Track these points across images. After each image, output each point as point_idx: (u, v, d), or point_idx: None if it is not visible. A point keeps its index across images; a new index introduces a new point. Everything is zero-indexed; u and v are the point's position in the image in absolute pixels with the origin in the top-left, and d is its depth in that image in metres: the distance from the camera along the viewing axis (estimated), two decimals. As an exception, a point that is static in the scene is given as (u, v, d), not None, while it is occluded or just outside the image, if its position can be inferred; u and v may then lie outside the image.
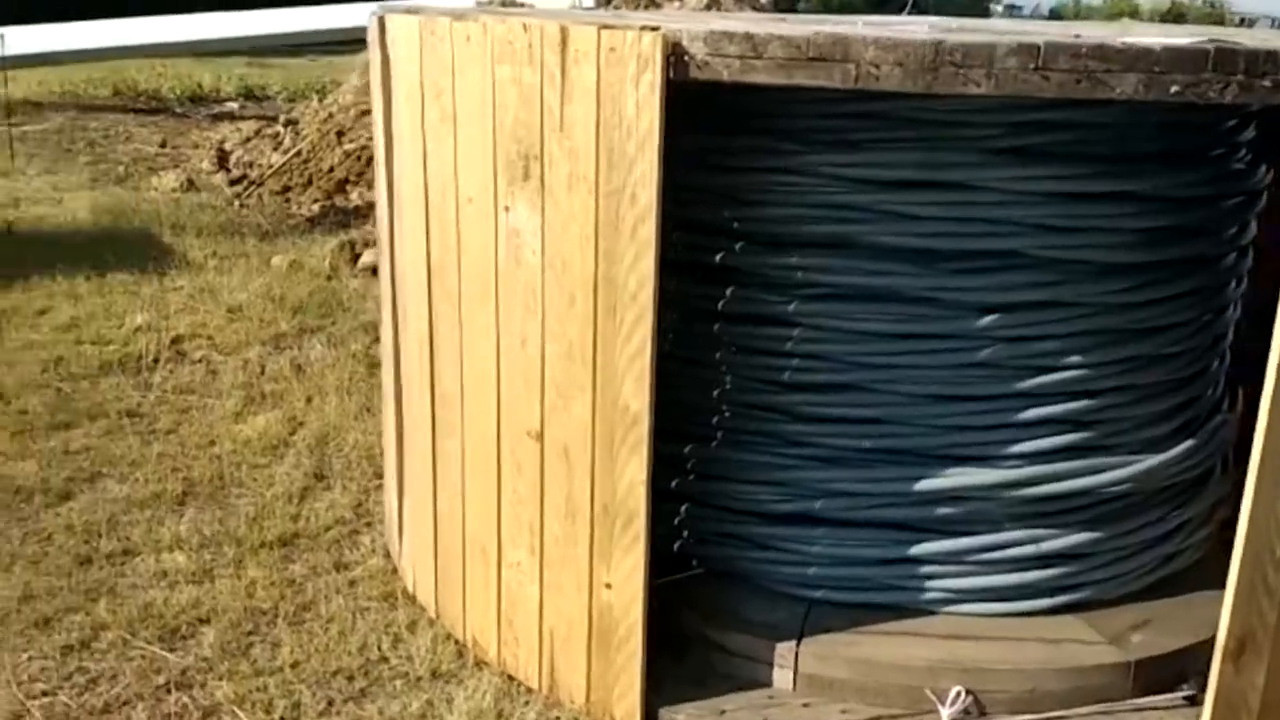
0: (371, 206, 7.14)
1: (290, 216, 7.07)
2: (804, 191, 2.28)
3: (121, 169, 8.41)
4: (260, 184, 7.79)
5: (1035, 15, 32.94)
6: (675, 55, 1.88)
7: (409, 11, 2.38)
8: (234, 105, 12.01)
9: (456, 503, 2.47)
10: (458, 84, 2.20)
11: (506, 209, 2.16)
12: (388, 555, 2.91)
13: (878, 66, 1.78)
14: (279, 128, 8.74)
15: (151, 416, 3.74)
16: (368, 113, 8.31)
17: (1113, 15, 30.95)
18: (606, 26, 1.92)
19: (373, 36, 2.58)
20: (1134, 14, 32.43)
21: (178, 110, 11.40)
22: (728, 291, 2.37)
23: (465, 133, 2.22)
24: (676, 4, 7.99)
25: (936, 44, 1.75)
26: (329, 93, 11.88)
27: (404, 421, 2.71)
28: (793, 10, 14.31)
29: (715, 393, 2.43)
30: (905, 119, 2.20)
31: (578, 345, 2.10)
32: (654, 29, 1.88)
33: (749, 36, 1.83)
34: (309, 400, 3.92)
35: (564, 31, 1.97)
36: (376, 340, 4.62)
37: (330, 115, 8.39)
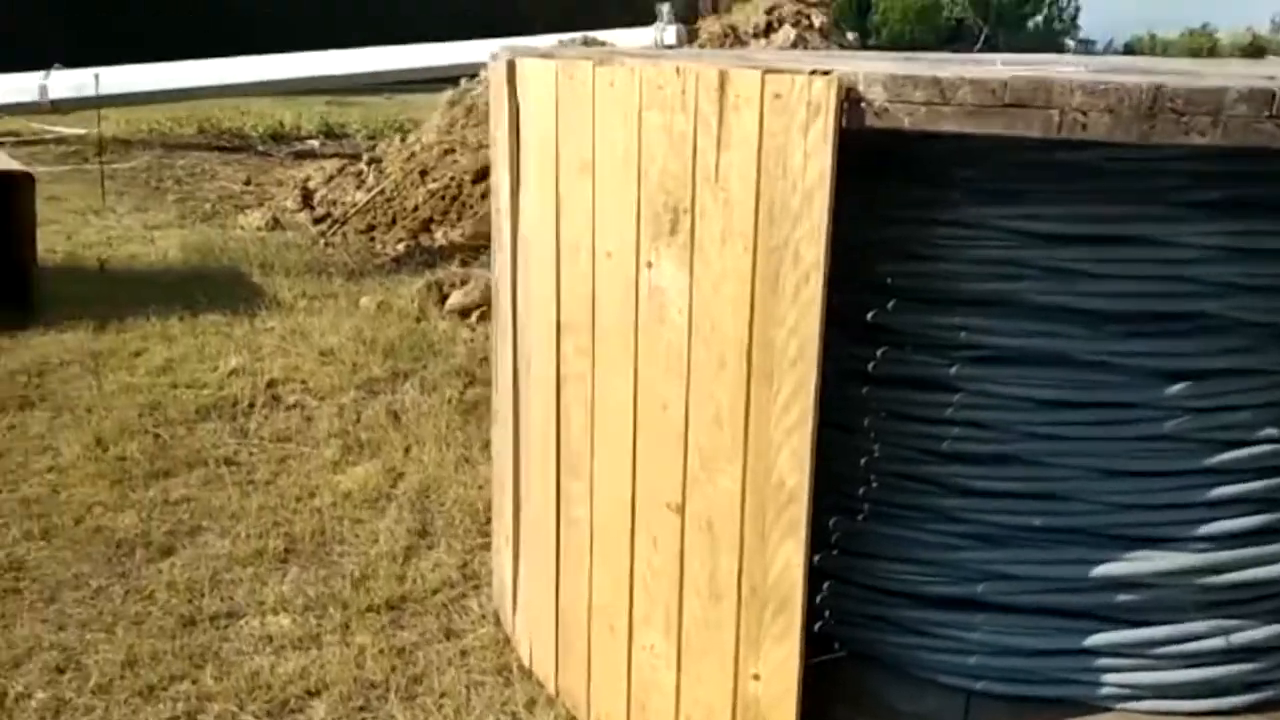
0: (457, 247, 7.11)
1: (375, 256, 7.06)
2: (967, 245, 2.10)
3: (208, 206, 8.51)
4: (344, 222, 7.81)
5: (1110, 51, 32.36)
6: (850, 101, 1.72)
7: (544, 55, 2.27)
8: (315, 143, 12.18)
9: (582, 575, 2.31)
10: (599, 131, 2.07)
11: (650, 265, 2.02)
12: (498, 623, 2.76)
13: (1085, 113, 1.60)
14: (362, 166, 8.78)
15: (249, 465, 3.66)
16: (451, 151, 8.34)
17: (1193, 50, 30.28)
18: (772, 71, 1.77)
19: (497, 80, 2.47)
20: (1213, 50, 31.68)
21: (260, 148, 11.57)
22: (880, 352, 2.19)
23: (605, 183, 2.08)
24: (763, 42, 7.88)
25: (1156, 89, 1.57)
26: (408, 131, 12.03)
27: (521, 483, 2.57)
28: (864, 48, 14.15)
29: (864, 461, 2.24)
30: (1085, 167, 2.01)
31: (727, 413, 1.94)
32: (825, 73, 1.72)
33: (936, 81, 1.67)
34: (407, 450, 3.81)
35: (723, 76, 1.82)
36: (469, 386, 4.52)
37: (413, 154, 8.41)
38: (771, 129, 1.78)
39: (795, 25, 7.83)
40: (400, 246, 7.14)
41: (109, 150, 10.24)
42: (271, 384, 4.37)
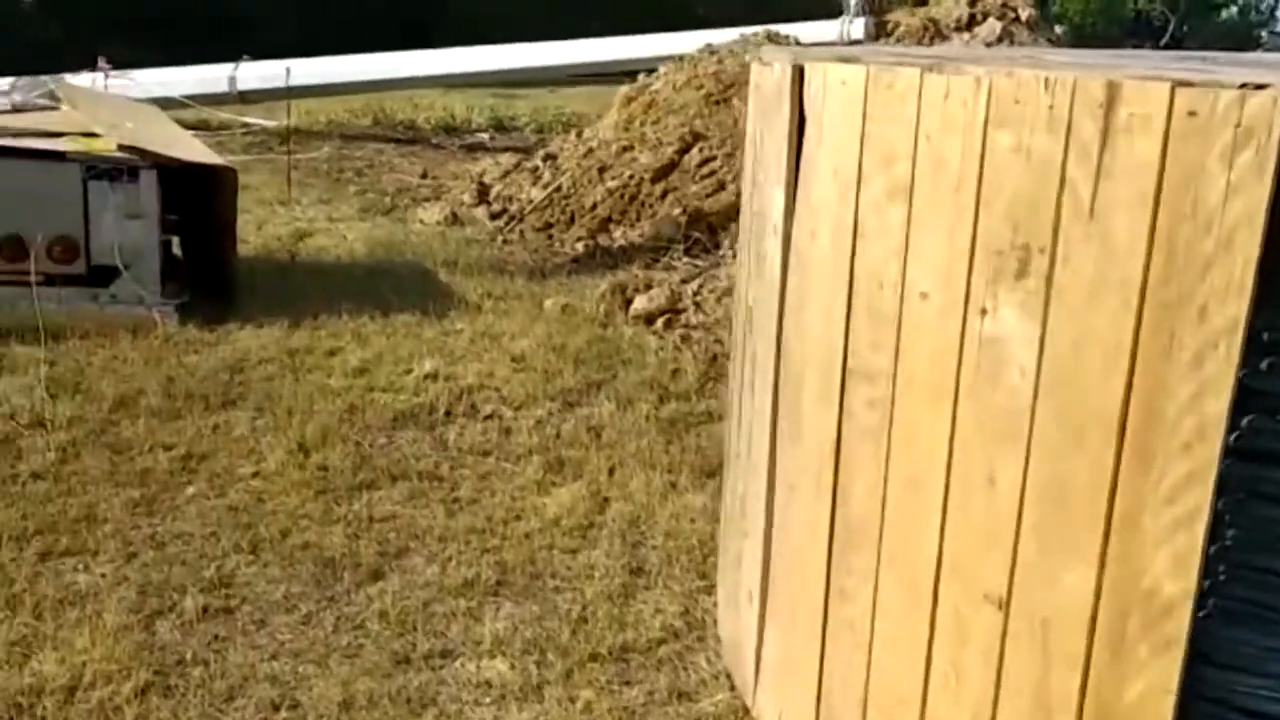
0: (637, 248, 6.90)
1: (554, 254, 6.91)
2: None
3: (387, 199, 8.56)
4: (521, 219, 7.71)
5: (1312, 45, 29.83)
6: (1297, 125, 1.35)
7: (845, 60, 1.96)
8: (485, 136, 12.24)
9: (858, 657, 2.01)
10: (922, 151, 1.76)
11: (984, 312, 1.69)
12: (733, 687, 2.49)
13: None
14: (537, 162, 8.69)
15: (452, 481, 3.50)
16: (629, 149, 8.14)
17: None
18: (1184, 84, 1.42)
19: (772, 86, 2.18)
20: None
21: (433, 141, 11.67)
22: (1247, 421, 1.80)
23: (926, 211, 1.77)
24: (966, 36, 7.37)
25: None
26: (573, 125, 11.96)
27: (774, 536, 2.28)
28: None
29: (1214, 549, 1.86)
30: None
31: (1081, 497, 1.59)
32: (1261, 86, 1.36)
33: None
34: (610, 473, 3.58)
35: (1111, 89, 1.48)
36: (664, 400, 4.29)
37: (590, 150, 8.26)
38: (1179, 156, 1.43)
39: (1000, 18, 7.30)
40: (579, 246, 6.97)
41: (292, 141, 10.50)
42: (467, 391, 4.23)
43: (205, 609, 2.72)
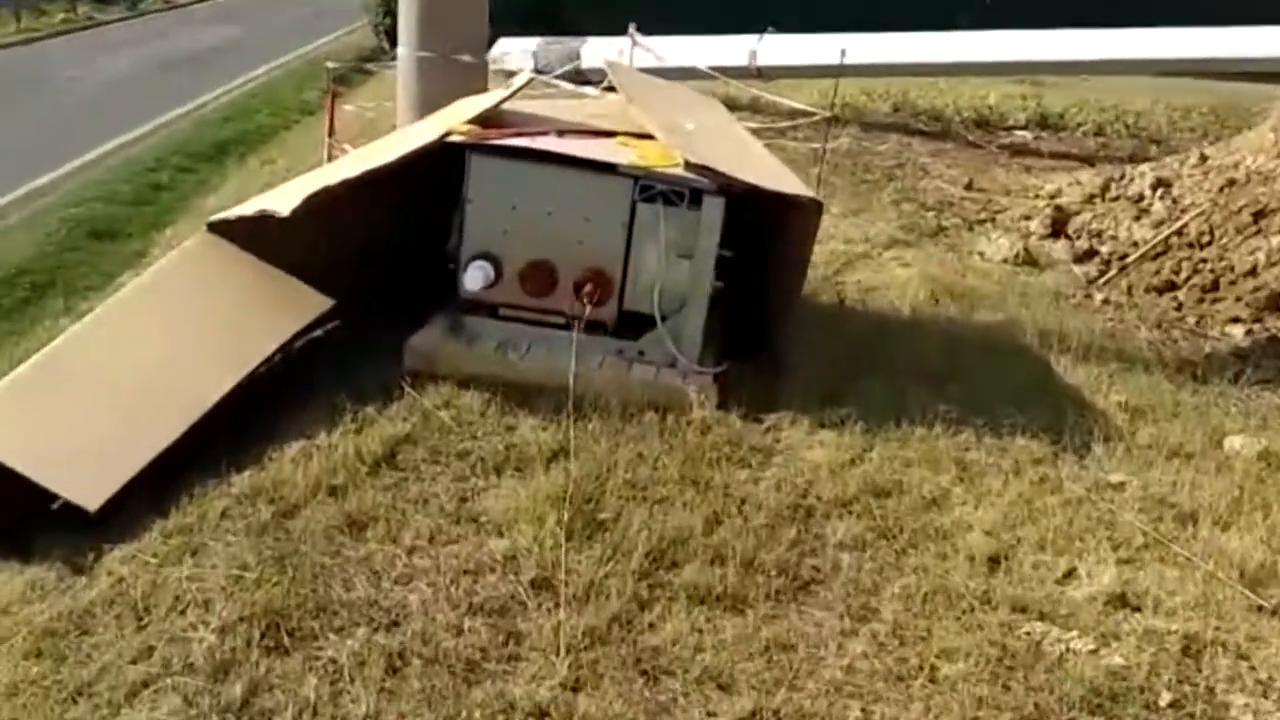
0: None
1: (1193, 336, 4.86)
2: None
3: (931, 216, 6.90)
4: (1123, 269, 5.70)
5: None
6: None
7: None
8: (1025, 135, 10.14)
9: None
10: None
11: None
12: None
13: None
14: (1141, 187, 6.56)
15: None
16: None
17: None
18: None
19: None
20: None
21: (967, 137, 9.80)
22: None
23: None
24: None
25: None
26: (1146, 133, 9.49)
27: None
28: None
29: None
30: None
31: None
32: None
33: None
34: None
35: None
36: None
37: (1231, 182, 5.99)
38: None
39: None
40: (1236, 330, 4.86)
41: (802, 126, 9.15)
42: (1189, 651, 2.48)
43: None
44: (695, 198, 3.50)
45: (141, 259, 6.08)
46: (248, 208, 3.53)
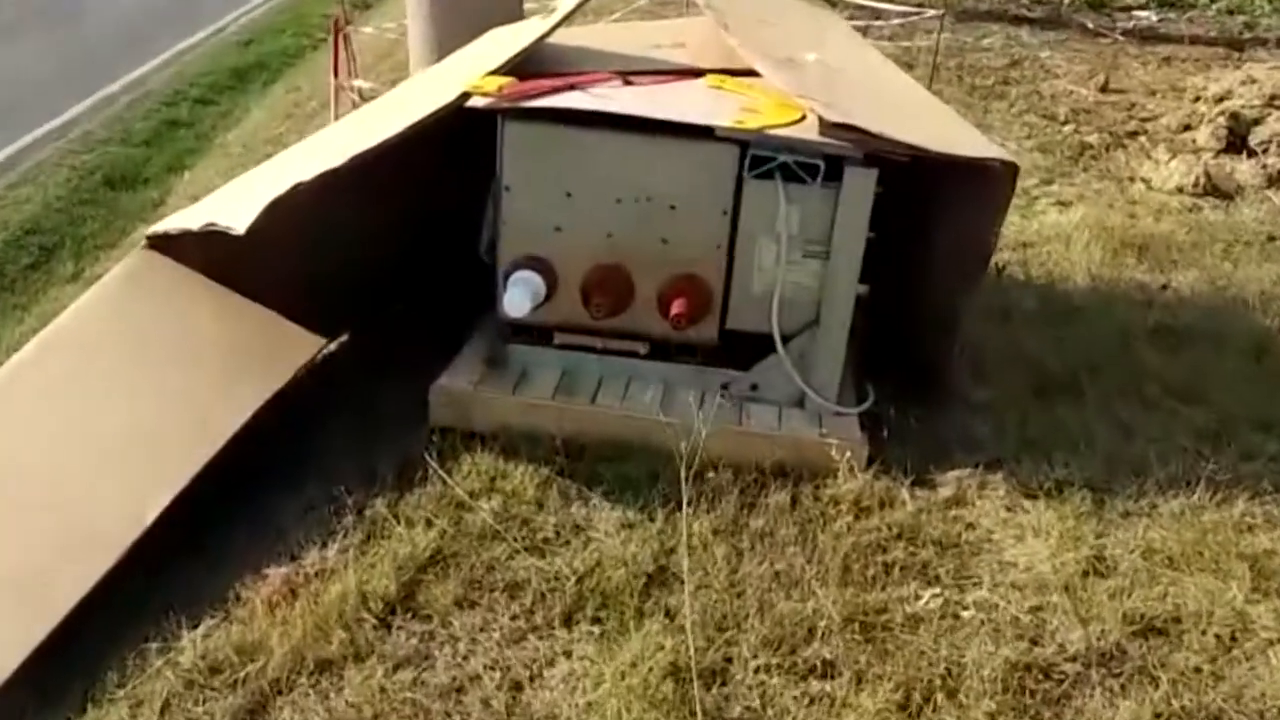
0: None
1: None
2: None
3: (1068, 131, 5.63)
4: (1339, 197, 4.46)
5: None
6: None
7: None
8: (1150, 16, 8.64)
9: None
10: None
11: None
12: None
13: None
14: (1341, 84, 5.23)
15: None
16: None
17: None
18: None
19: None
20: None
21: (1080, 22, 8.33)
22: None
23: None
24: None
25: None
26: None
27: None
28: None
29: None
30: None
31: None
32: None
33: None
34: None
35: None
36: None
37: None
38: None
39: None
40: None
41: (889, 18, 7.77)
42: None
43: None
44: (832, 169, 2.39)
45: (159, 208, 5.20)
46: (193, 216, 2.49)
